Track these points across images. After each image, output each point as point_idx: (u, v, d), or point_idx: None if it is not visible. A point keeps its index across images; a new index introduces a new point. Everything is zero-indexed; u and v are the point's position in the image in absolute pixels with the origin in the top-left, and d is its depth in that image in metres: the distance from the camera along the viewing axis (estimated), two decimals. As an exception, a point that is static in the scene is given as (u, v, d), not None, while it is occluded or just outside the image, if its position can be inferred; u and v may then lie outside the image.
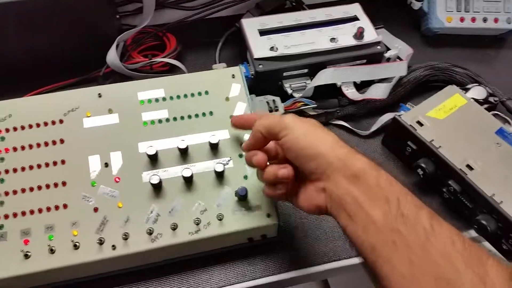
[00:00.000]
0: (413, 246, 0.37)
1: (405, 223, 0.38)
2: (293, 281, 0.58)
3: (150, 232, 0.51)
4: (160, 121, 0.57)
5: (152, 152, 0.53)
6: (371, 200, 0.40)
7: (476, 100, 0.68)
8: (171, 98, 0.59)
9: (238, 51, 0.78)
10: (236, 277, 0.55)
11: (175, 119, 0.58)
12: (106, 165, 0.54)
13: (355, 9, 0.75)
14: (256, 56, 0.68)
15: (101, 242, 0.50)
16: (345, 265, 0.58)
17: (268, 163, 0.49)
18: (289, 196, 0.49)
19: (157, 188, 0.53)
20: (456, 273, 0.35)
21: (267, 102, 0.66)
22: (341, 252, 0.58)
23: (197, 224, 0.52)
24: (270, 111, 0.65)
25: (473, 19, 0.83)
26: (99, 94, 0.59)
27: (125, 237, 0.50)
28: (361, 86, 0.71)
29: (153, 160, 0.54)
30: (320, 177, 0.44)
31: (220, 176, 0.55)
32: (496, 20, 0.83)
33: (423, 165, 0.60)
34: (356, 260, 0.58)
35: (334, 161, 0.43)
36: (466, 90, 0.70)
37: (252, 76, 0.68)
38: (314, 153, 0.44)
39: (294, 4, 0.83)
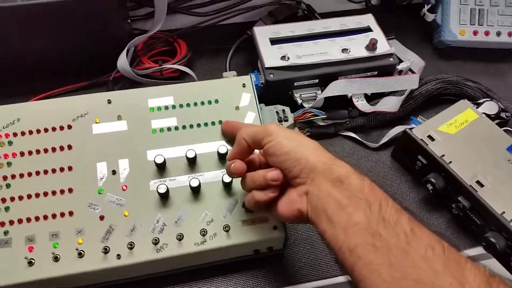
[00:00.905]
0: (394, 249, 0.37)
1: (386, 227, 0.38)
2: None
3: (155, 242, 0.50)
4: (169, 129, 0.57)
5: (160, 160, 0.53)
6: (354, 204, 0.40)
7: (488, 115, 0.67)
8: (181, 106, 0.58)
9: (248, 59, 0.78)
10: (241, 290, 0.55)
11: (184, 127, 0.57)
12: (114, 172, 0.54)
13: (368, 19, 0.74)
14: (267, 65, 0.67)
15: (106, 251, 0.50)
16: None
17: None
18: (269, 205, 0.48)
19: (164, 197, 0.53)
20: (436, 277, 0.35)
21: (277, 112, 0.66)
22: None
23: (203, 235, 0.51)
24: (280, 121, 0.65)
25: (487, 33, 0.82)
26: (109, 100, 0.58)
27: (130, 246, 0.50)
28: (372, 97, 0.71)
29: (161, 168, 0.54)
30: (304, 181, 0.44)
31: (227, 186, 0.54)
32: (510, 34, 0.82)
33: (433, 180, 0.59)
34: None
35: (319, 165, 0.43)
36: (478, 104, 0.70)
37: (262, 85, 0.68)
38: (298, 157, 0.44)
39: (306, 12, 0.82)
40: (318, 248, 0.59)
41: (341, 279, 0.57)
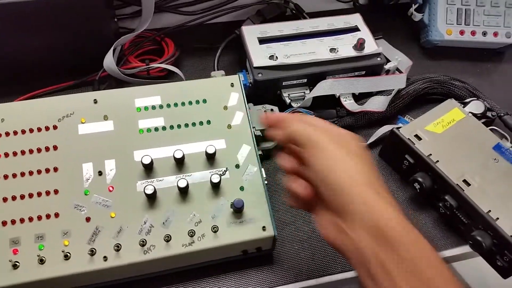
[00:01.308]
0: None
1: None
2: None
3: (142, 244, 0.50)
4: (156, 129, 0.56)
5: (147, 161, 0.52)
6: (400, 271, 0.35)
7: (474, 115, 0.68)
8: (168, 105, 0.58)
9: (236, 58, 0.78)
10: (229, 290, 0.54)
11: (171, 127, 0.57)
12: (100, 173, 0.53)
13: (356, 19, 0.74)
14: (255, 64, 0.67)
15: (92, 253, 0.49)
16: (345, 278, 0.57)
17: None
18: (310, 208, 0.44)
19: (151, 198, 0.52)
20: None
21: (265, 112, 0.66)
22: (340, 265, 0.58)
23: (191, 236, 0.51)
24: (268, 120, 0.64)
25: (473, 33, 0.83)
26: (95, 100, 0.57)
27: (117, 248, 0.49)
28: (360, 97, 0.71)
29: (148, 169, 0.54)
30: (340, 215, 0.39)
31: (216, 187, 0.54)
32: (495, 34, 0.83)
33: (420, 179, 0.60)
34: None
35: (360, 206, 0.37)
36: (465, 104, 0.70)
37: (251, 85, 0.68)
38: (338, 189, 0.38)
39: (294, 11, 0.82)
40: (307, 247, 0.59)
41: (332, 278, 0.57)
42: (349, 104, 0.69)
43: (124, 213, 0.51)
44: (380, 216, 0.37)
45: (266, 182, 0.56)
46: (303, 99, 0.68)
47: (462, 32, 0.82)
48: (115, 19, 0.76)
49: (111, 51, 0.69)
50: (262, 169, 0.57)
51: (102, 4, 0.67)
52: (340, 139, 0.42)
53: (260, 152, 0.64)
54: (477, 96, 0.73)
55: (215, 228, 0.52)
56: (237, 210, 0.52)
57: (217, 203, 0.53)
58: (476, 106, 0.70)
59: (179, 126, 0.57)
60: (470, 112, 0.67)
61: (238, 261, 0.56)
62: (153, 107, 0.57)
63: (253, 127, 0.61)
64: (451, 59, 0.84)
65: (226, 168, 0.55)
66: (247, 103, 0.65)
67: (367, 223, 0.37)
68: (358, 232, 0.37)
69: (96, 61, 0.69)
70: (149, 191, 0.51)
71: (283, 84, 0.68)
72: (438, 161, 0.60)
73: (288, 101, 0.69)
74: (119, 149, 0.55)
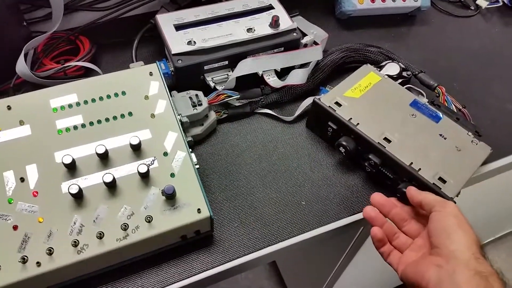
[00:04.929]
0: None
1: None
2: (235, 271, 0.58)
3: (75, 244, 0.49)
4: (75, 127, 0.55)
5: (68, 160, 0.51)
6: None
7: (390, 76, 0.71)
8: (85, 102, 0.57)
9: (157, 49, 0.77)
10: (173, 277, 0.55)
11: (91, 123, 0.56)
12: (22, 179, 0.52)
13: (269, -3, 0.76)
14: (173, 51, 0.67)
15: (24, 260, 0.48)
16: (286, 245, 0.59)
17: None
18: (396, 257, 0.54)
19: (78, 197, 0.51)
20: None
21: (190, 98, 0.66)
22: (279, 234, 0.59)
23: (125, 230, 0.50)
24: (194, 106, 0.65)
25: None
26: (8, 106, 0.55)
27: (50, 252, 0.48)
28: (283, 73, 0.72)
29: (71, 169, 0.52)
30: (443, 256, 0.47)
31: (145, 177, 0.54)
32: (404, -1, 0.87)
33: (344, 143, 0.62)
34: (297, 239, 0.59)
35: (465, 252, 0.46)
36: (381, 67, 0.74)
37: (172, 73, 0.68)
38: (452, 236, 0.47)
39: (210, -4, 0.82)
40: (246, 223, 0.60)
41: (273, 248, 0.59)
42: (273, 81, 0.71)
43: (52, 216, 0.50)
44: (482, 264, 0.45)
45: (197, 166, 0.57)
46: (227, 81, 0.69)
47: (373, 0, 0.86)
48: (24, 23, 0.73)
49: (22, 56, 0.66)
50: (193, 154, 0.57)
51: (4, 9, 0.64)
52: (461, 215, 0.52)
53: (190, 139, 0.65)
54: (392, 59, 0.76)
55: (149, 218, 0.51)
56: (169, 196, 0.52)
57: (148, 192, 0.53)
58: (392, 68, 0.74)
59: (99, 121, 0.56)
60: (386, 75, 0.71)
61: (179, 248, 0.56)
62: (70, 106, 0.56)
63: (179, 114, 0.62)
64: (366, 28, 0.88)
65: (154, 157, 0.55)
66: (172, 91, 0.66)
67: (470, 265, 0.45)
68: (460, 269, 0.45)
69: (9, 69, 0.66)
70: (74, 190, 0.50)
71: (205, 68, 0.69)
72: (358, 123, 0.62)
73: (212, 84, 0.69)
74: (39, 153, 0.53)
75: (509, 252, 1.61)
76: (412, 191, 0.56)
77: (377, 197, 0.57)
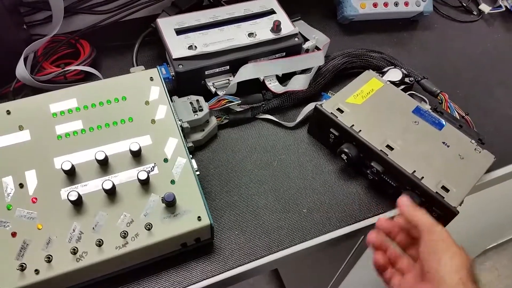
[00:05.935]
0: None
1: None
2: (235, 279, 0.57)
3: (74, 252, 0.48)
4: (75, 132, 0.55)
5: (67, 167, 0.51)
6: None
7: (393, 82, 0.71)
8: (85, 107, 0.56)
9: (157, 53, 0.77)
10: (173, 285, 0.54)
11: (91, 129, 0.55)
12: (21, 185, 0.51)
13: (271, 2, 0.75)
14: (175, 56, 0.66)
15: (22, 268, 0.47)
16: (288, 254, 0.59)
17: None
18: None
19: (77, 204, 0.50)
20: None
21: (191, 103, 0.65)
22: (280, 242, 0.59)
23: (124, 237, 0.50)
24: (195, 111, 0.64)
25: (386, 4, 0.86)
26: (8, 111, 0.55)
27: (48, 259, 0.48)
28: (284, 79, 0.72)
29: (71, 175, 0.52)
30: (433, 282, 0.47)
31: (145, 184, 0.53)
32: (406, 4, 0.87)
33: (346, 150, 0.62)
34: (298, 248, 0.59)
35: (453, 277, 0.46)
36: (383, 73, 0.73)
37: (173, 77, 0.67)
38: (441, 260, 0.47)
39: (211, 0, 0.82)
40: (247, 231, 0.59)
41: (276, 256, 0.58)
42: (274, 86, 0.70)
43: (51, 223, 0.50)
44: None
45: (198, 173, 0.56)
46: (228, 86, 0.68)
47: (375, 5, 0.85)
48: (24, 27, 0.72)
49: (22, 59, 0.65)
50: (193, 160, 0.56)
51: (5, 12, 0.64)
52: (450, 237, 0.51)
53: (190, 144, 0.64)
54: (395, 65, 0.76)
55: (148, 226, 0.51)
56: (169, 204, 0.52)
57: (148, 200, 0.53)
58: (394, 73, 0.74)
59: (99, 127, 0.55)
60: (388, 81, 0.70)
61: (179, 256, 0.56)
62: (70, 111, 0.55)
63: (180, 119, 0.61)
64: (368, 33, 0.87)
65: (154, 163, 0.55)
66: (172, 96, 0.65)
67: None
68: None
69: (9, 72, 0.66)
70: (73, 197, 0.49)
71: (206, 73, 0.68)
72: (360, 130, 0.62)
73: (213, 90, 0.69)
74: (39, 158, 0.53)
75: (510, 257, 1.61)
76: (403, 207, 0.53)
77: (384, 224, 0.55)
